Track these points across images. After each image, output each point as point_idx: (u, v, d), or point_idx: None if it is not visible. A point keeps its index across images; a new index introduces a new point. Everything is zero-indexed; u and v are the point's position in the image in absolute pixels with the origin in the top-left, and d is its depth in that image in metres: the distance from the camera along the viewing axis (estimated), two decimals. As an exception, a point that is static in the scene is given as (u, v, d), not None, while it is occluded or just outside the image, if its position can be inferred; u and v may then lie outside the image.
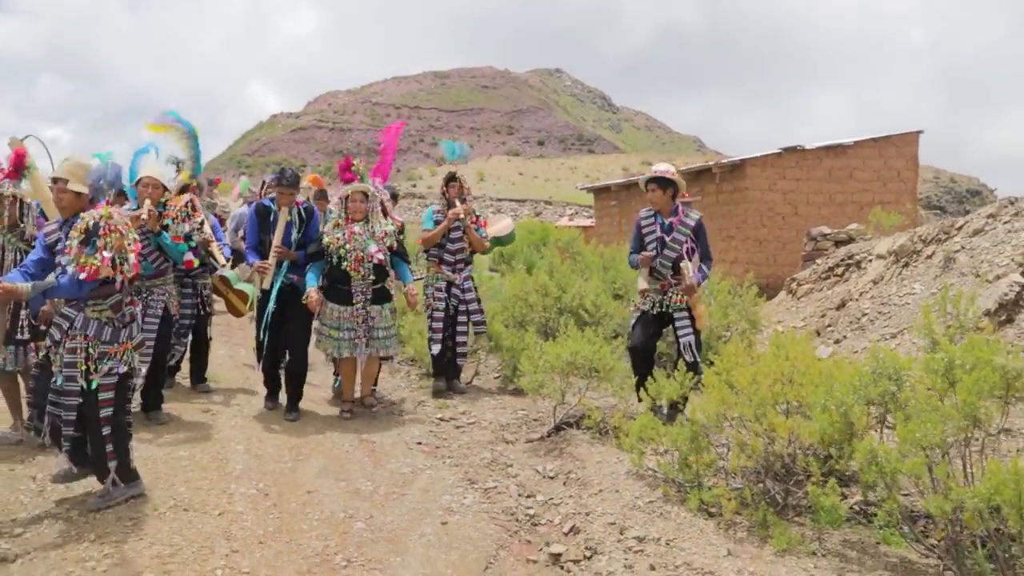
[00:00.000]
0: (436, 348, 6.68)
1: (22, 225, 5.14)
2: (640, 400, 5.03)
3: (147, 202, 5.31)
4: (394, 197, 7.54)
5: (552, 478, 4.80)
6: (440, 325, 6.65)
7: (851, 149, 14.18)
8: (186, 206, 5.59)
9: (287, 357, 6.10)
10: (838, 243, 10.57)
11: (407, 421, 6.06)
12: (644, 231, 5.70)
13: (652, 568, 3.54)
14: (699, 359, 5.44)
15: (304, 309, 5.90)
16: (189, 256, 5.65)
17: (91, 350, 3.96)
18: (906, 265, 8.00)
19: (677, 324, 5.57)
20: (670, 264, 5.60)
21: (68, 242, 3.82)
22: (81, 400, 3.94)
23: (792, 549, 3.71)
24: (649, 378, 4.85)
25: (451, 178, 6.76)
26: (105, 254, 3.77)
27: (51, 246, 4.07)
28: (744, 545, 3.79)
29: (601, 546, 3.80)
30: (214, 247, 6.28)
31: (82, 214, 3.91)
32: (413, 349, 7.74)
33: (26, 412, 4.93)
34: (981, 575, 3.30)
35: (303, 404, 6.17)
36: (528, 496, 4.54)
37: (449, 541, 3.96)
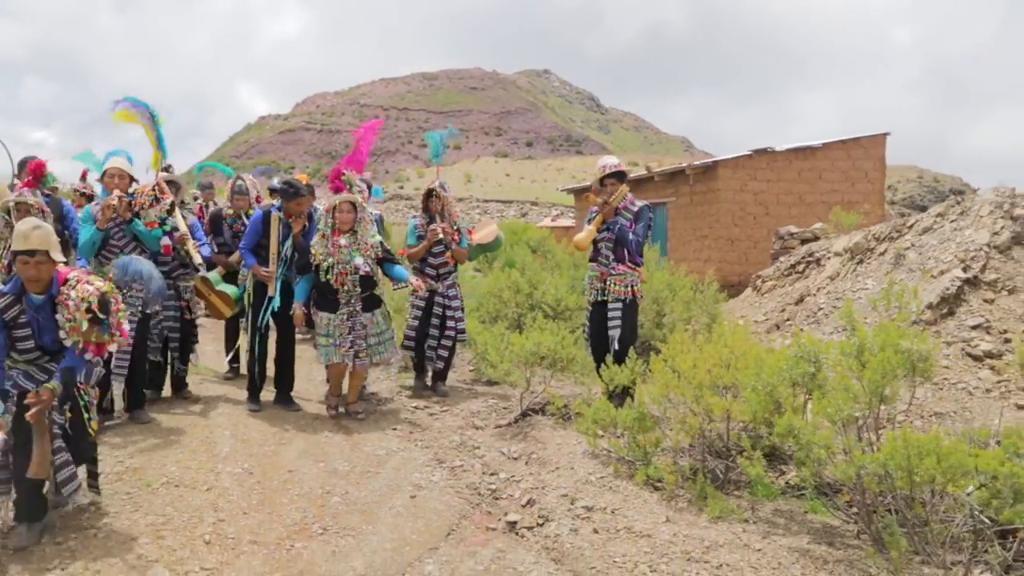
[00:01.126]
0: (407, 354, 6.90)
1: None
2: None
3: (116, 191, 5.51)
4: (369, 188, 7.78)
5: (516, 459, 5.20)
6: (412, 333, 6.77)
7: (820, 151, 14.68)
8: (153, 190, 5.73)
9: (275, 353, 6.42)
10: (804, 241, 11.02)
11: (384, 409, 6.45)
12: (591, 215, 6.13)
13: (595, 531, 3.95)
14: (624, 352, 5.54)
15: (288, 298, 6.22)
16: (165, 240, 5.76)
17: (85, 396, 3.94)
18: (860, 262, 8.45)
19: (609, 314, 5.88)
20: (612, 246, 5.92)
21: (70, 322, 3.78)
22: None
23: (726, 517, 4.12)
24: (602, 365, 5.26)
25: (430, 193, 6.80)
26: (125, 326, 3.95)
27: (6, 319, 3.83)
28: (683, 513, 4.20)
29: (552, 514, 4.20)
30: (190, 245, 6.13)
31: (73, 290, 3.82)
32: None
33: None
34: (891, 535, 3.71)
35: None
36: (492, 474, 4.93)
37: (416, 512, 4.36)
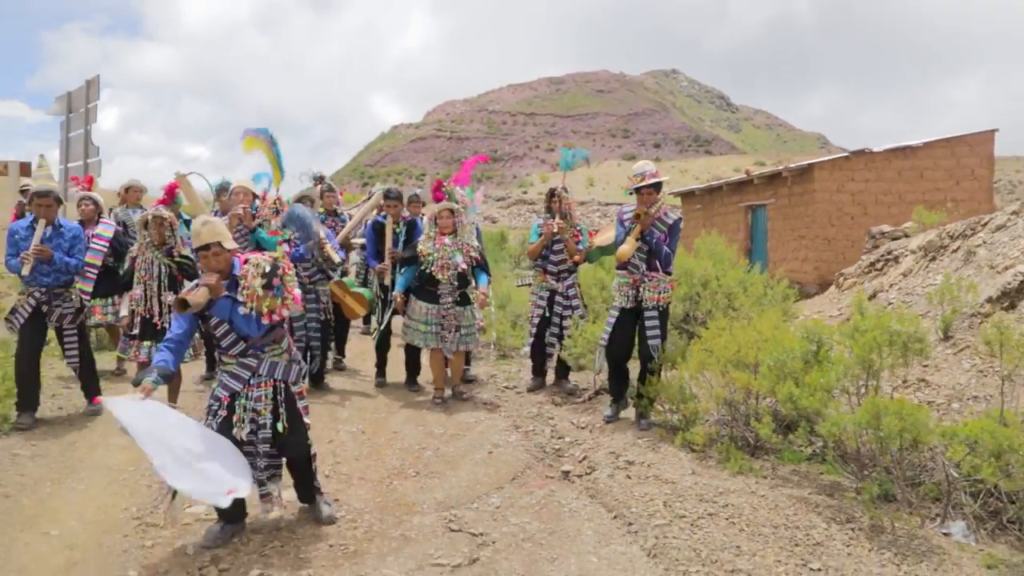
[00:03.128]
0: (526, 350, 7.60)
1: (169, 244, 6.06)
2: (613, 397, 6.21)
3: (239, 205, 6.58)
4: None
5: (582, 428, 6.12)
6: (535, 330, 7.31)
7: (921, 150, 14.73)
8: (274, 203, 6.75)
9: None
10: (896, 240, 11.30)
11: (480, 388, 7.51)
12: (628, 225, 6.11)
13: (628, 477, 4.84)
14: (659, 361, 5.93)
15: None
16: (285, 247, 6.50)
17: (279, 394, 4.12)
18: (933, 259, 8.83)
19: (647, 324, 5.94)
20: (645, 256, 6.01)
21: (246, 291, 3.96)
22: (272, 443, 4.11)
23: (745, 473, 4.91)
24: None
25: (552, 193, 7.33)
26: (296, 291, 4.11)
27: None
28: (708, 469, 5.02)
29: (599, 466, 5.12)
30: (328, 248, 6.98)
31: (250, 261, 4.07)
32: (494, 333, 9.12)
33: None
34: (867, 483, 4.39)
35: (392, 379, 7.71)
36: (559, 438, 5.88)
37: (491, 463, 5.37)
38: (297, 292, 4.17)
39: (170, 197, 6.54)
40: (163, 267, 6.04)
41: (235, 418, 4.04)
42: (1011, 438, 3.81)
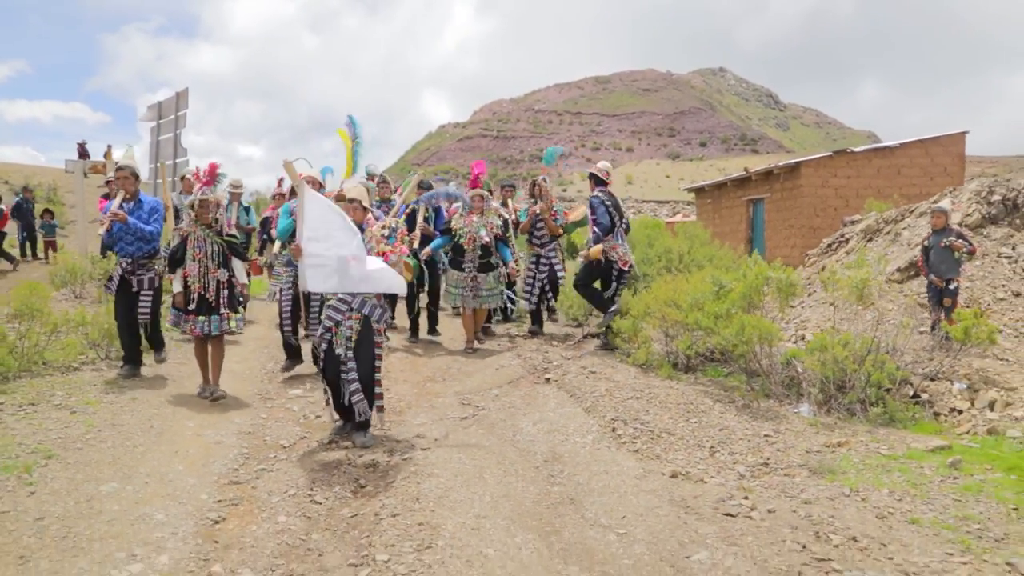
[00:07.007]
0: (527, 304, 9.79)
1: (217, 223, 6.48)
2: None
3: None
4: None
5: (568, 359, 8.25)
6: (529, 287, 9.73)
7: (898, 150, 16.54)
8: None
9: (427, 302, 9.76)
10: (848, 225, 13.17)
11: (496, 336, 9.70)
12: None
13: (587, 378, 6.99)
14: (578, 289, 8.66)
15: (436, 270, 9.55)
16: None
17: (355, 326, 5.33)
18: (870, 239, 10.76)
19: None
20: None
21: (369, 232, 5.52)
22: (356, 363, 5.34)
23: (673, 379, 7.00)
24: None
25: (534, 184, 9.90)
26: (403, 247, 5.58)
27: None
28: (648, 377, 7.12)
29: (569, 373, 7.27)
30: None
31: (377, 223, 5.70)
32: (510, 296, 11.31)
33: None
34: (737, 379, 6.46)
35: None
36: (548, 362, 8.02)
37: (496, 374, 7.55)
38: (404, 247, 5.57)
39: (211, 179, 7.67)
40: (214, 245, 6.40)
41: (336, 341, 5.32)
42: (822, 340, 5.88)
